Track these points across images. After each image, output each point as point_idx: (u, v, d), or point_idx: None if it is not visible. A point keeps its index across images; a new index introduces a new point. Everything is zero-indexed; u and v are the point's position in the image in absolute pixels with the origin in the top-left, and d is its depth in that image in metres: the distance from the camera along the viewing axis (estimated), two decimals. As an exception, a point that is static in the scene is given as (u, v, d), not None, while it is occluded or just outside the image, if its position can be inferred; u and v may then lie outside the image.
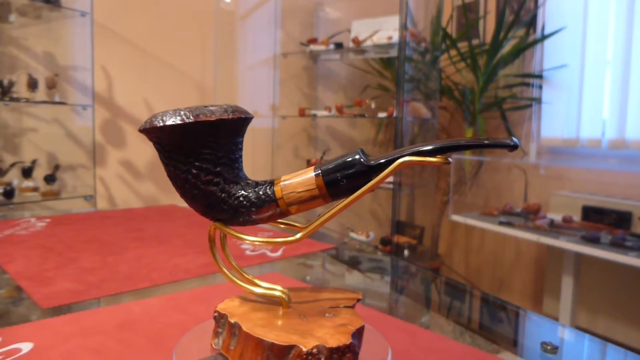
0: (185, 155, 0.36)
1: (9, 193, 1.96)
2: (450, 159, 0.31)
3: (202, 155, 0.36)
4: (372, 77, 3.18)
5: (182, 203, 1.38)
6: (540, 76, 2.68)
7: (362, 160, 0.33)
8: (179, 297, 0.67)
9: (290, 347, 0.32)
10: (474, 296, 0.83)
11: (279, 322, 0.35)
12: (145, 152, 2.54)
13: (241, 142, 0.39)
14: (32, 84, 2.03)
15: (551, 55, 2.60)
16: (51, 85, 2.07)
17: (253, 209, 0.38)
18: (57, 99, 2.13)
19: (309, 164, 3.14)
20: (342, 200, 0.37)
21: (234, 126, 0.36)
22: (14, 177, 2.10)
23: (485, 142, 0.30)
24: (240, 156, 0.39)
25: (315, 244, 1.03)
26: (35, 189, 2.09)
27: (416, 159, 0.31)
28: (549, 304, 2.59)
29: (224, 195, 0.37)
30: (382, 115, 2.71)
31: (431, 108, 2.87)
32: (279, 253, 0.91)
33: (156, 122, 0.35)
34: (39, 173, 2.15)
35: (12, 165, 2.10)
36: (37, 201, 2.11)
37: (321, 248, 1.01)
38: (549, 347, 0.50)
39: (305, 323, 0.34)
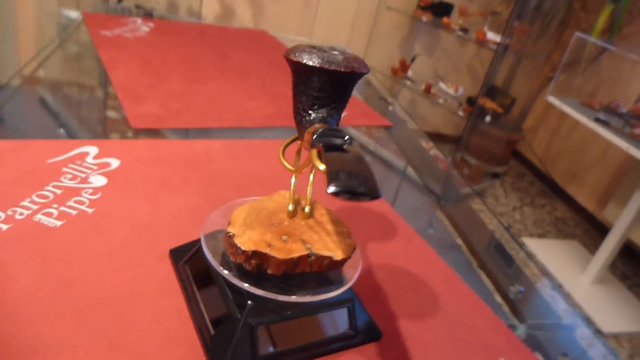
0: (293, 82, 0.43)
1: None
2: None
3: (297, 85, 0.43)
4: None
5: (274, 32, 1.42)
6: None
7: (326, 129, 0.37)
8: (238, 146, 0.79)
9: (228, 224, 0.44)
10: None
11: (257, 216, 0.45)
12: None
13: (331, 88, 0.42)
14: None
15: None
16: None
17: (301, 138, 0.44)
18: None
19: (400, 63, 3.00)
20: None
21: (322, 77, 0.41)
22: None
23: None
24: (332, 99, 0.43)
25: (376, 116, 1.09)
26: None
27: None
28: (611, 211, 2.56)
29: (299, 118, 0.44)
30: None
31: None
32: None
33: (286, 55, 0.42)
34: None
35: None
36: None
37: (380, 123, 1.07)
38: (514, 290, 0.58)
39: (263, 226, 0.43)
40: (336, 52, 0.43)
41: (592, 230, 2.72)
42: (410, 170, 0.98)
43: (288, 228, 0.44)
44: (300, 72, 0.41)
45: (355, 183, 0.30)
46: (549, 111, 3.13)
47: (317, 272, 0.44)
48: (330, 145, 0.36)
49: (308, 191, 0.46)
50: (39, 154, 0.65)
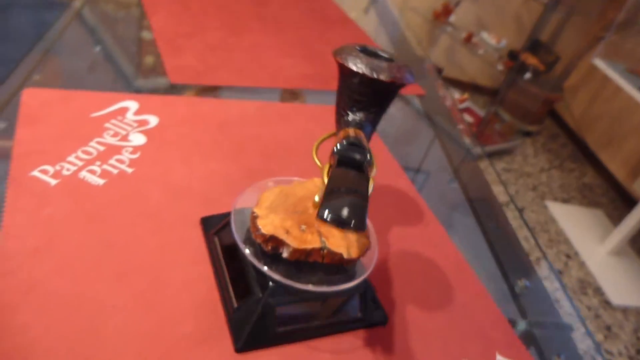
0: (338, 80, 0.44)
1: None
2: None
3: (341, 85, 0.44)
4: None
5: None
6: None
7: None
8: (270, 109, 0.81)
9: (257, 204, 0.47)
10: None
11: (285, 201, 0.47)
12: None
13: (371, 94, 0.42)
14: None
15: None
16: None
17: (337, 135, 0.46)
18: None
19: (442, 6, 2.84)
20: None
21: (361, 83, 0.42)
22: None
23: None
24: (371, 104, 0.42)
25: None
26: None
27: None
28: (641, 183, 2.52)
29: (338, 116, 0.46)
30: None
31: None
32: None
33: (334, 54, 0.42)
34: None
35: None
36: None
37: (412, 91, 1.06)
38: (521, 285, 0.61)
39: (287, 212, 0.46)
40: (385, 57, 0.43)
41: (619, 201, 2.69)
42: (440, 120, 0.99)
43: (310, 218, 0.47)
44: (345, 74, 0.42)
45: (344, 215, 0.31)
46: (593, 73, 3.00)
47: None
48: (348, 160, 0.37)
49: None
50: (83, 107, 0.68)
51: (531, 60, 2.84)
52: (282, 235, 0.44)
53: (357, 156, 0.37)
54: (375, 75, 0.41)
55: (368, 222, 0.51)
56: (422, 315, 0.54)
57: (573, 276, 2.16)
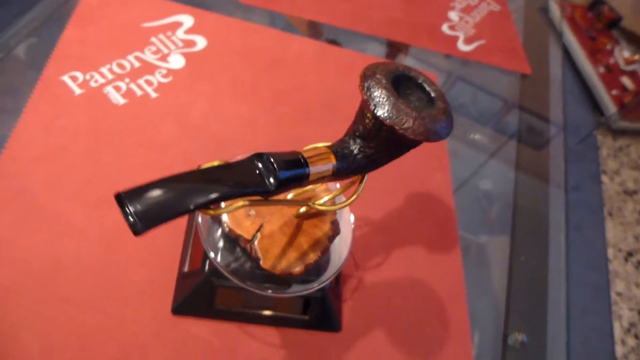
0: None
1: None
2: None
3: (361, 103, 0.36)
4: None
5: None
6: None
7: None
8: (331, 54, 0.74)
9: None
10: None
11: None
12: None
13: (381, 137, 0.35)
14: None
15: None
16: None
17: None
18: None
19: None
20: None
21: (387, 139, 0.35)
22: None
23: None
24: (374, 141, 0.35)
25: (518, 57, 0.91)
26: None
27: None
28: None
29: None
30: None
31: None
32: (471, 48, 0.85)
33: (361, 74, 0.35)
34: None
35: None
36: None
37: (516, 67, 0.90)
38: (517, 338, 0.53)
39: None
40: (428, 92, 0.35)
41: None
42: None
43: (272, 209, 0.43)
44: (364, 100, 0.34)
45: (136, 210, 0.26)
46: None
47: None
48: (260, 172, 0.32)
49: (325, 198, 0.43)
50: (138, 14, 0.67)
51: None
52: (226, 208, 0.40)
53: (269, 181, 0.31)
54: (391, 123, 0.32)
55: (348, 233, 0.46)
56: (382, 338, 0.50)
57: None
